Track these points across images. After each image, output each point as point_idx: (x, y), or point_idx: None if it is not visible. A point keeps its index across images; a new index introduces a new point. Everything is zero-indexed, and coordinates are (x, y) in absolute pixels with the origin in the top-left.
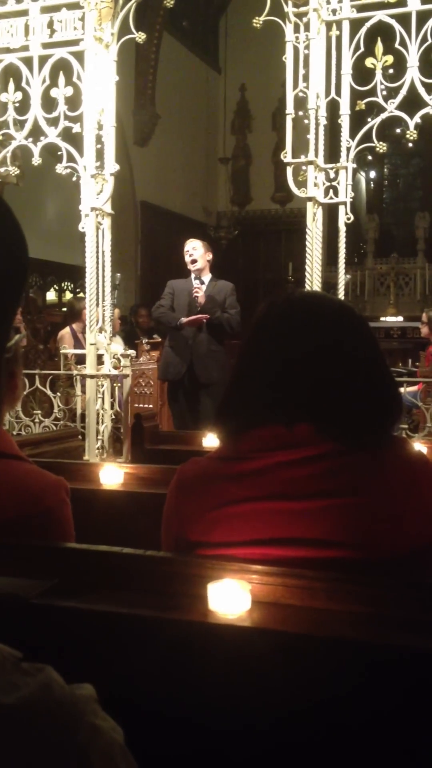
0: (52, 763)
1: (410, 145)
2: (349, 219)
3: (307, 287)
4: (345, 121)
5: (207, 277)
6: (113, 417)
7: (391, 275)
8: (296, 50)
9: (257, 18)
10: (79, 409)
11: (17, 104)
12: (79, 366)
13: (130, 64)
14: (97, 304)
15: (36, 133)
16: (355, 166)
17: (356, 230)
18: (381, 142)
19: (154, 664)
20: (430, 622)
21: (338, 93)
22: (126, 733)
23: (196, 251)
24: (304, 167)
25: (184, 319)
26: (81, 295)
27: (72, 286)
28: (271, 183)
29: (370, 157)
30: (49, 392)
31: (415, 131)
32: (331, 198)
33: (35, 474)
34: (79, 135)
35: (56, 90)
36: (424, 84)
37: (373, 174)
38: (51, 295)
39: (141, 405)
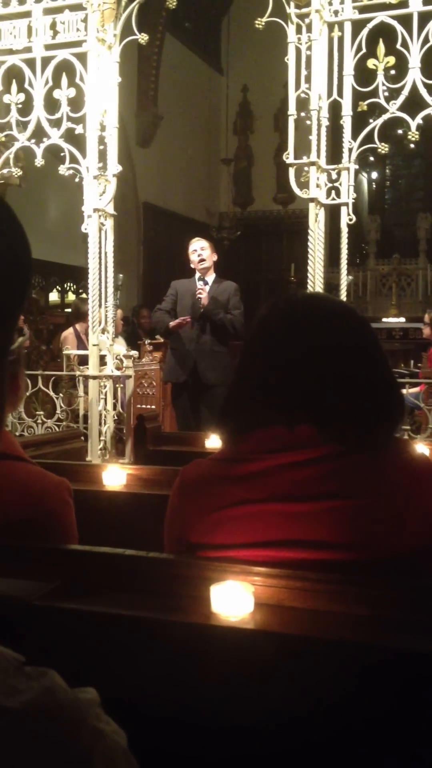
0: (55, 767)
1: (412, 146)
2: (351, 220)
3: (309, 288)
4: (347, 122)
5: (211, 277)
6: (116, 418)
7: (393, 276)
8: (298, 51)
9: (259, 19)
10: (82, 410)
11: (20, 105)
12: (81, 367)
13: (133, 65)
14: (100, 305)
15: (39, 134)
16: (357, 167)
17: (358, 231)
18: (383, 143)
19: (157, 667)
20: None
21: (340, 94)
22: (128, 736)
23: (204, 251)
24: (306, 168)
25: (171, 323)
26: (84, 296)
27: (74, 287)
28: (273, 184)
29: (372, 158)
30: (51, 393)
31: (416, 132)
32: (333, 199)
33: (38, 475)
34: (82, 136)
35: (59, 91)
36: (425, 85)
37: (375, 175)
38: (54, 296)
39: (143, 406)
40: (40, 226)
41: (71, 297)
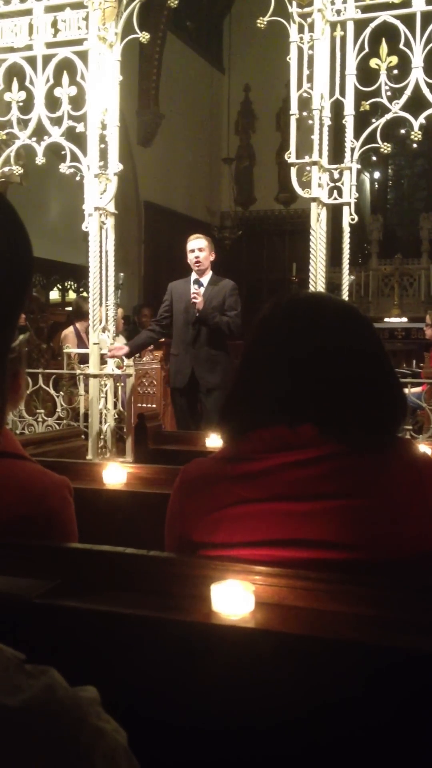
0: (55, 765)
1: (415, 145)
2: (353, 219)
3: (311, 288)
4: (349, 122)
5: (207, 276)
6: (116, 416)
7: (395, 276)
8: (300, 51)
9: (261, 18)
10: (82, 409)
11: (21, 104)
12: (82, 365)
13: (134, 63)
14: (101, 304)
15: (39, 132)
16: (359, 166)
17: (360, 231)
18: (385, 143)
19: (157, 665)
20: None
21: (342, 93)
22: (128, 734)
23: (202, 252)
24: (308, 168)
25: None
26: (85, 294)
27: (75, 285)
28: (275, 183)
29: (374, 158)
30: (52, 391)
31: (419, 132)
32: (335, 198)
33: (38, 473)
34: (83, 134)
35: (60, 89)
36: (428, 85)
37: (377, 174)
38: (54, 295)
39: (144, 405)
40: (41, 224)
41: (72, 295)
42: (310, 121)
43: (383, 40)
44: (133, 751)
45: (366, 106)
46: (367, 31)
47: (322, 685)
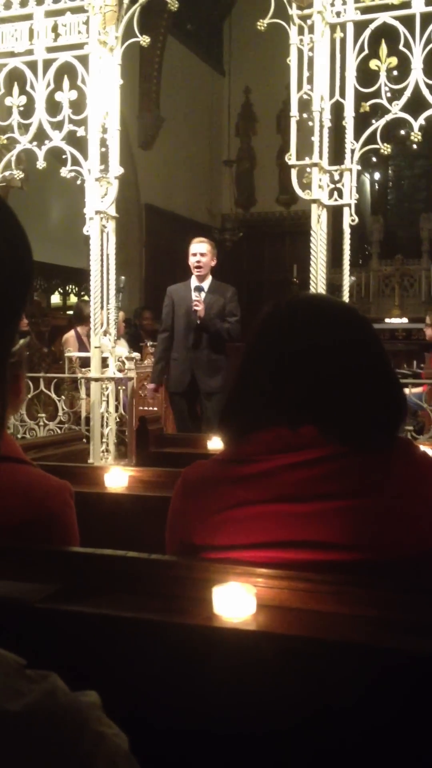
0: None
1: (415, 146)
2: (353, 221)
3: (312, 289)
4: (349, 123)
5: (208, 281)
6: (118, 420)
7: (395, 276)
8: (300, 52)
9: (261, 20)
10: (84, 412)
11: (22, 108)
12: (83, 369)
13: (135, 67)
14: (102, 307)
15: (40, 136)
16: (359, 167)
17: (361, 232)
18: (385, 144)
19: (159, 669)
20: None
21: (342, 95)
22: (130, 739)
23: (204, 258)
24: (308, 169)
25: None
26: (86, 298)
27: (76, 289)
28: (275, 185)
29: (374, 159)
30: (53, 395)
31: (419, 133)
32: (336, 200)
33: (40, 478)
34: (84, 138)
35: (61, 94)
36: (428, 86)
37: (377, 176)
38: (55, 298)
39: (146, 408)
40: (42, 228)
41: (73, 299)
42: (311, 123)
43: (383, 41)
44: (134, 755)
45: (366, 107)
46: (367, 33)
47: (325, 688)
